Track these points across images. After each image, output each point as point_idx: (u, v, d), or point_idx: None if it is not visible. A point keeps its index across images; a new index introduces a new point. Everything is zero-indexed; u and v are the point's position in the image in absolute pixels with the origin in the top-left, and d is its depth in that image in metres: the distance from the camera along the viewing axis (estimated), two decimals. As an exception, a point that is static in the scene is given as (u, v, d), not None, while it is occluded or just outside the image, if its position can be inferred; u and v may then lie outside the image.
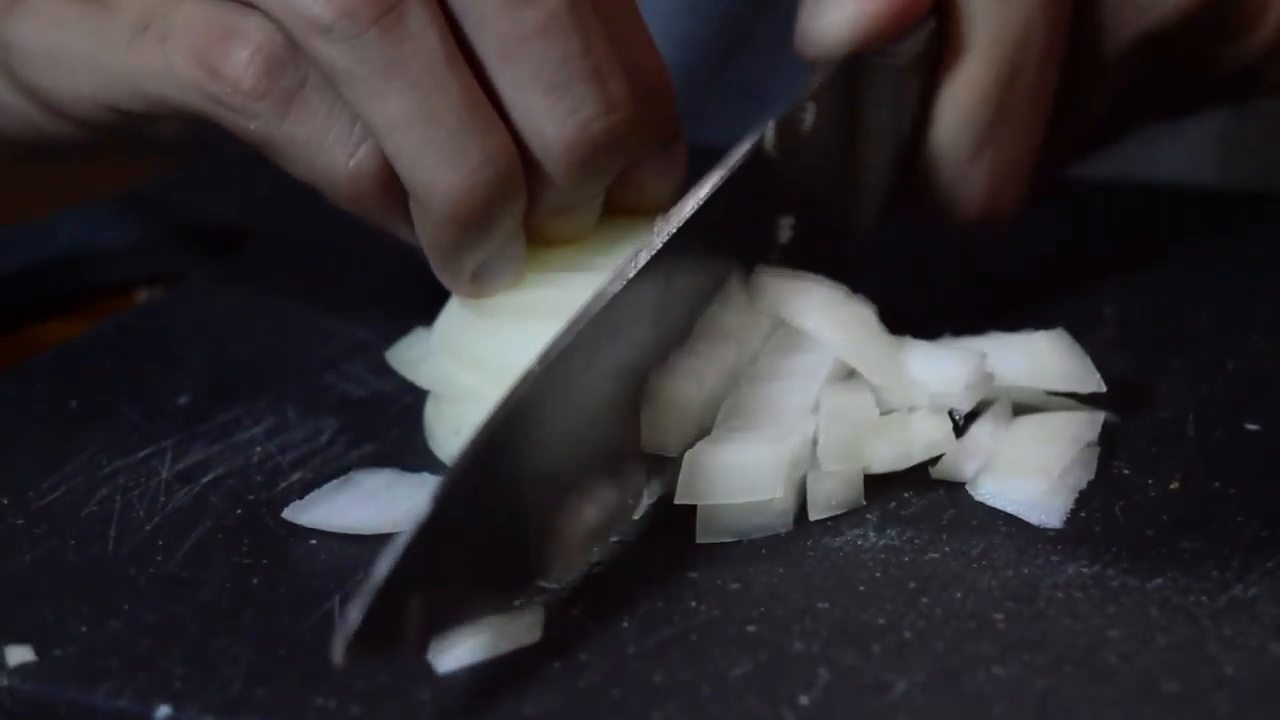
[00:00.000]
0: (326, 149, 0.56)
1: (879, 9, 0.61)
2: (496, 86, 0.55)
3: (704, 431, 0.56)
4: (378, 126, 0.55)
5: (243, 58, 0.56)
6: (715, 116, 0.90)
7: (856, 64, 0.62)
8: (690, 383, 0.56)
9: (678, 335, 0.56)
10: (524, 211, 0.57)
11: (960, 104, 0.64)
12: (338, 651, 0.45)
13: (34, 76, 0.62)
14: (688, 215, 0.56)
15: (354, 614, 0.45)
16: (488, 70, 0.55)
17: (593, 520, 0.53)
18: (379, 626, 0.45)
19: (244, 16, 0.56)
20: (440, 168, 0.55)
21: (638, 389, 0.55)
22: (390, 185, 0.56)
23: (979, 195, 0.66)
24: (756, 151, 0.59)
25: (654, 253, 0.54)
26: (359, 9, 0.53)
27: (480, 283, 0.59)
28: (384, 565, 0.45)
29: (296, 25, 0.54)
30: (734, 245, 0.59)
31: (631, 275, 0.53)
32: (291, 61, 0.55)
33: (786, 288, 0.59)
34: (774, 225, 0.61)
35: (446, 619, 0.48)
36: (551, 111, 0.55)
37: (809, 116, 0.61)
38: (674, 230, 0.55)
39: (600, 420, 0.53)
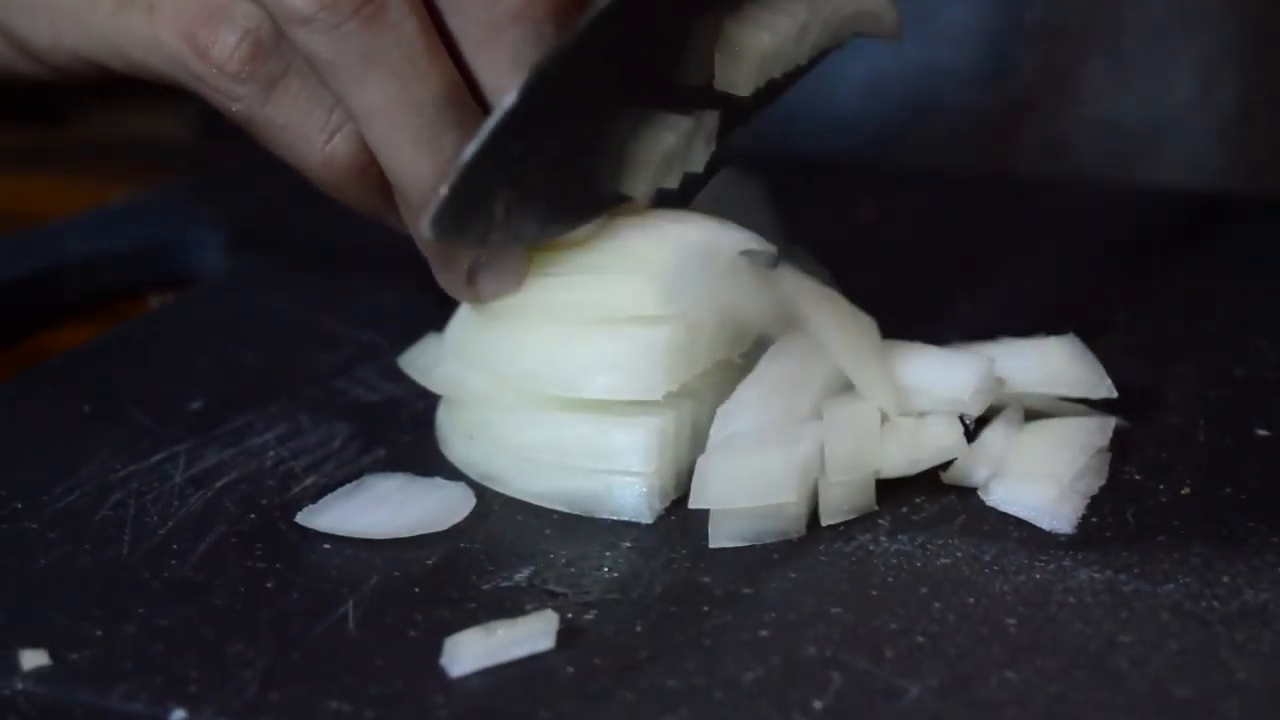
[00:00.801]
0: (305, 134, 0.57)
1: None
2: (474, 73, 0.56)
3: (770, 79, 0.59)
4: (358, 114, 0.56)
5: (230, 41, 0.56)
6: None
7: None
8: (762, 32, 0.57)
9: None
10: None
11: None
12: (425, 224, 0.52)
13: (12, 20, 0.62)
14: None
15: (442, 189, 0.51)
16: (465, 56, 0.56)
17: (669, 146, 0.56)
18: (465, 204, 0.51)
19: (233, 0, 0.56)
20: (417, 157, 0.55)
21: (714, 32, 0.57)
22: (366, 172, 0.57)
23: None
24: None
25: None
26: (340, 1, 0.54)
27: (478, 285, 0.59)
28: (470, 148, 0.52)
29: (280, 14, 0.55)
30: None
31: None
32: (277, 48, 0.56)
33: (795, 296, 0.59)
34: None
35: (526, 221, 0.54)
36: None
37: None
38: None
39: (678, 57, 0.56)
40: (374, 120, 0.55)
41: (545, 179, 0.55)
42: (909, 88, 0.94)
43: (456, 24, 0.55)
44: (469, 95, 0.56)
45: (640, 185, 0.57)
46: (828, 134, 0.95)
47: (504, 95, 0.55)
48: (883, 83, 0.94)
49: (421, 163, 0.55)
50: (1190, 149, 0.98)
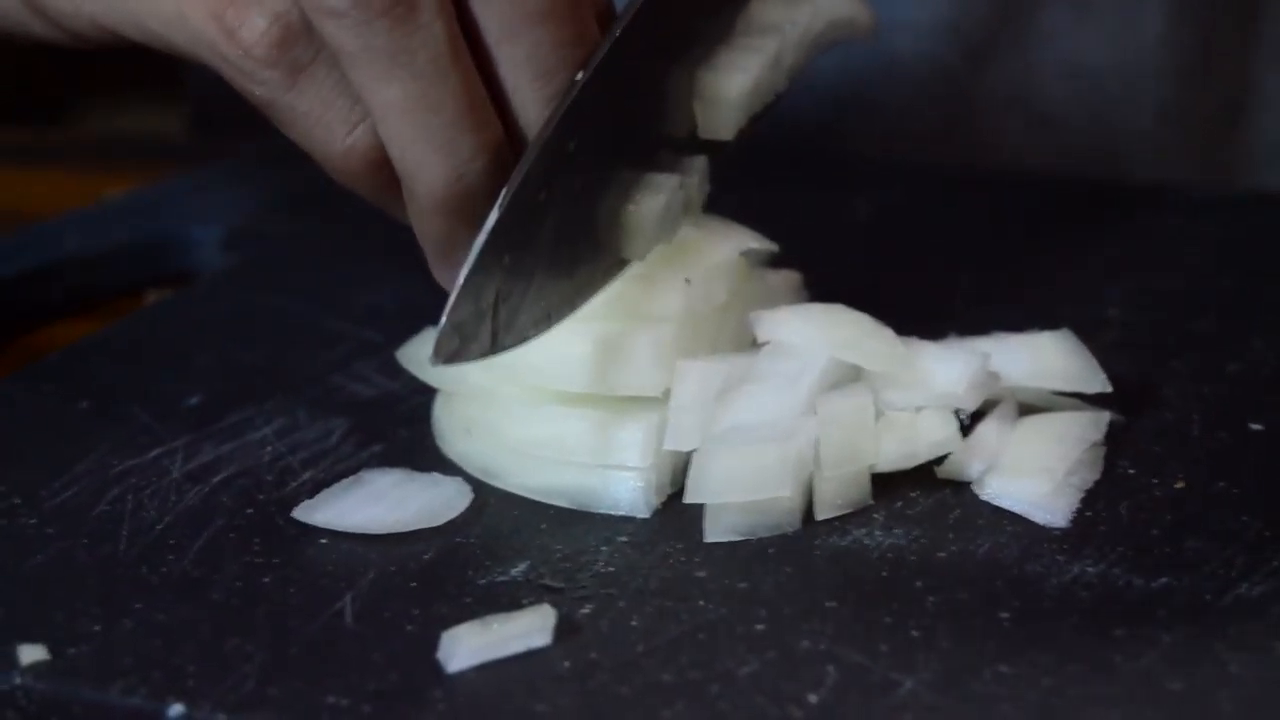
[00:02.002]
0: (326, 124, 0.57)
1: None
2: (494, 66, 0.56)
3: (753, 114, 0.59)
4: (376, 110, 0.56)
5: (259, 25, 0.56)
6: None
7: None
8: (736, 75, 0.58)
9: (721, 31, 0.59)
10: None
11: None
12: (431, 357, 0.54)
13: None
14: None
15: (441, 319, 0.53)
16: (487, 49, 0.56)
17: (660, 206, 0.57)
18: (469, 307, 0.53)
19: None
20: (431, 157, 0.55)
21: (689, 83, 0.58)
22: (383, 166, 0.57)
23: None
24: None
25: None
26: None
27: None
28: (461, 272, 0.53)
29: (311, 4, 0.54)
30: None
31: None
32: (306, 34, 0.56)
33: (777, 313, 0.59)
34: None
35: (532, 316, 0.55)
36: (538, 95, 0.56)
37: None
38: None
39: (657, 118, 0.57)
40: (392, 118, 0.55)
41: (542, 274, 0.55)
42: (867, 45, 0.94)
43: (482, 17, 0.55)
44: (487, 101, 0.56)
45: (638, 249, 0.57)
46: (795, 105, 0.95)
47: (520, 96, 0.56)
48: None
49: (434, 163, 0.55)
50: (1158, 91, 0.98)
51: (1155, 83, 0.98)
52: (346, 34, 0.54)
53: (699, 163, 0.59)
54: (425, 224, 0.57)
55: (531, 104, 0.56)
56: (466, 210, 0.56)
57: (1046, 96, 0.98)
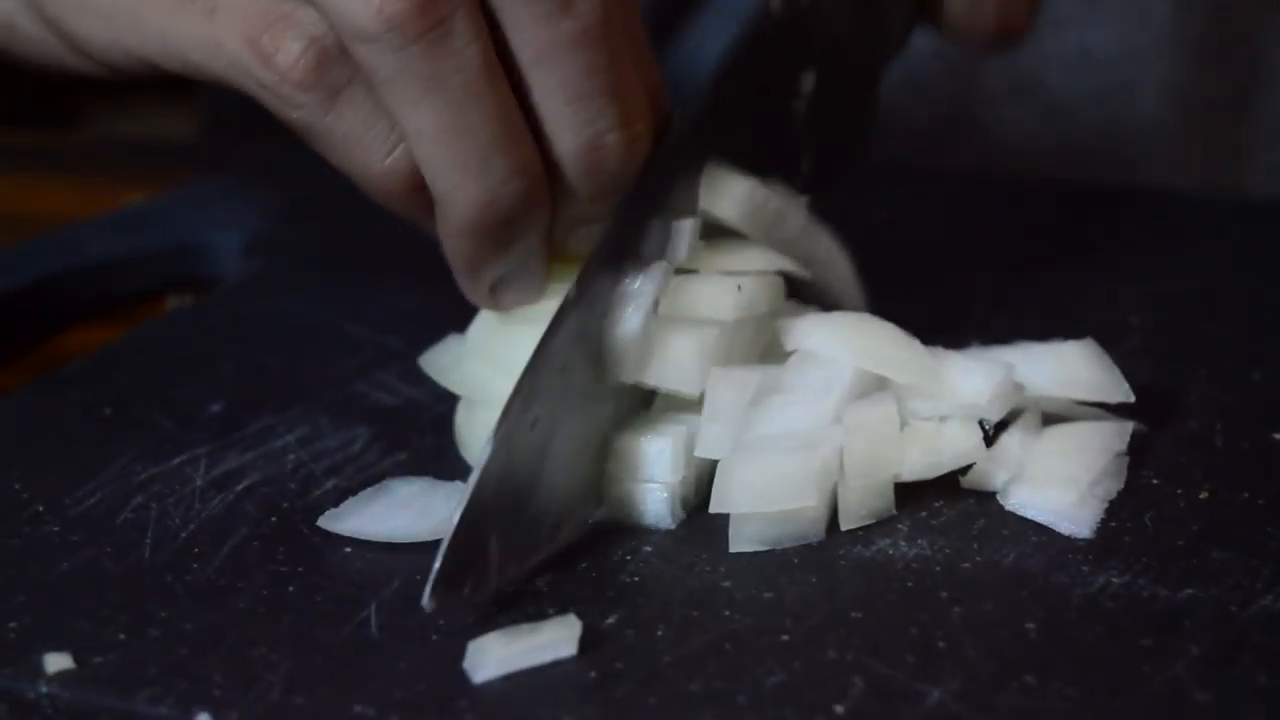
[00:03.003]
0: (365, 146, 0.57)
1: None
2: (527, 93, 0.56)
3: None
4: (411, 134, 0.55)
5: (295, 49, 0.56)
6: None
7: None
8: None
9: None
10: (547, 227, 0.58)
11: None
12: (424, 599, 0.50)
13: (67, 16, 0.61)
14: (714, 79, 0.59)
15: (436, 561, 0.50)
16: (521, 73, 0.56)
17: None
18: (458, 567, 0.51)
19: (298, 5, 0.56)
20: (465, 180, 0.56)
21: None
22: (421, 187, 0.57)
23: (992, 10, 0.68)
24: (763, 14, 0.60)
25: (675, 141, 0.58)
26: (406, 22, 0.53)
27: (499, 295, 0.59)
28: (454, 517, 0.51)
29: (345, 29, 0.54)
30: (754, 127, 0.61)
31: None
32: (341, 58, 0.56)
33: (805, 321, 0.59)
34: (795, 87, 0.63)
35: (532, 546, 0.54)
36: (571, 120, 0.56)
37: None
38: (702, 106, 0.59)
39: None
40: (426, 141, 0.55)
41: (538, 505, 0.54)
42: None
43: (515, 43, 0.55)
44: (522, 124, 0.56)
45: (629, 370, 0.57)
46: None
47: (553, 120, 0.56)
48: None
49: (467, 186, 0.55)
50: (1168, 78, 0.98)
51: (1165, 69, 0.98)
52: (379, 58, 0.54)
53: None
54: (457, 244, 0.57)
55: (565, 129, 0.56)
56: (498, 232, 0.57)
57: (1055, 86, 0.98)
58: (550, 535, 0.55)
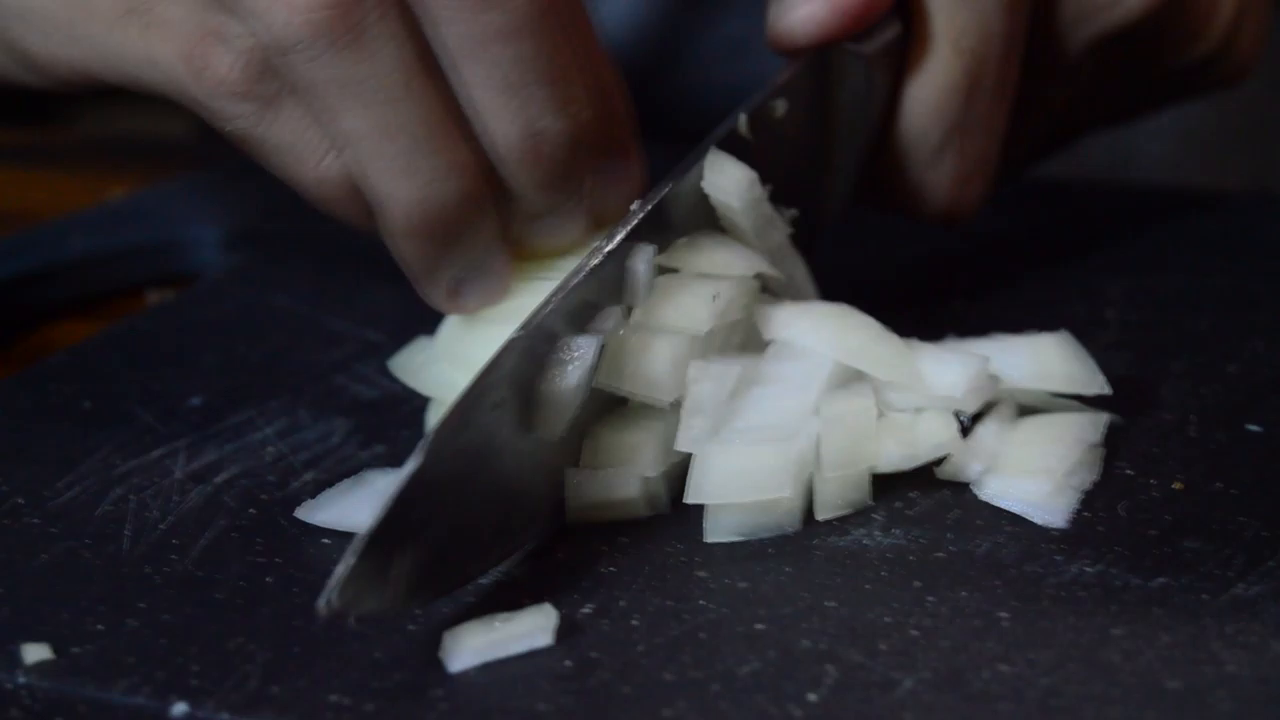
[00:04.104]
0: (298, 154, 0.58)
1: (846, 4, 0.63)
2: (459, 89, 0.56)
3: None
4: (338, 139, 0.56)
5: (226, 62, 0.57)
6: (702, 69, 0.91)
7: (827, 55, 0.64)
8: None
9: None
10: (498, 226, 0.58)
11: (927, 99, 0.66)
12: (321, 602, 0.47)
13: (12, 33, 0.62)
14: (666, 194, 0.58)
15: (339, 567, 0.47)
16: (450, 72, 0.56)
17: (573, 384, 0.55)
18: (366, 578, 0.48)
19: (229, 18, 0.56)
20: (396, 183, 0.56)
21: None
22: (357, 192, 0.58)
23: (944, 188, 0.68)
24: (731, 135, 0.60)
25: (626, 231, 0.57)
26: (324, 30, 0.54)
27: (461, 298, 0.59)
28: (370, 522, 0.48)
29: (266, 40, 0.55)
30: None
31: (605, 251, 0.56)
32: (271, 69, 0.56)
33: (786, 311, 0.59)
34: None
35: (432, 580, 0.51)
36: (505, 110, 0.56)
37: (780, 106, 0.62)
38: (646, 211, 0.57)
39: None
40: (354, 147, 0.56)
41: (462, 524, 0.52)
42: None
43: (441, 39, 0.55)
44: (451, 123, 0.56)
45: (554, 428, 0.55)
46: None
47: (486, 112, 0.55)
48: None
49: (399, 188, 0.56)
50: (1161, 145, 0.98)
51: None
52: (301, 67, 0.55)
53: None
54: (401, 247, 0.58)
55: (500, 119, 0.56)
56: (439, 233, 0.57)
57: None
58: (483, 560, 0.53)
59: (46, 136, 1.17)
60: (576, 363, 0.54)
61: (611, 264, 0.57)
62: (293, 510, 0.57)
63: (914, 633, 0.50)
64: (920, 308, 0.69)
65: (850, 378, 0.58)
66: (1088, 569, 0.53)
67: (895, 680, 0.48)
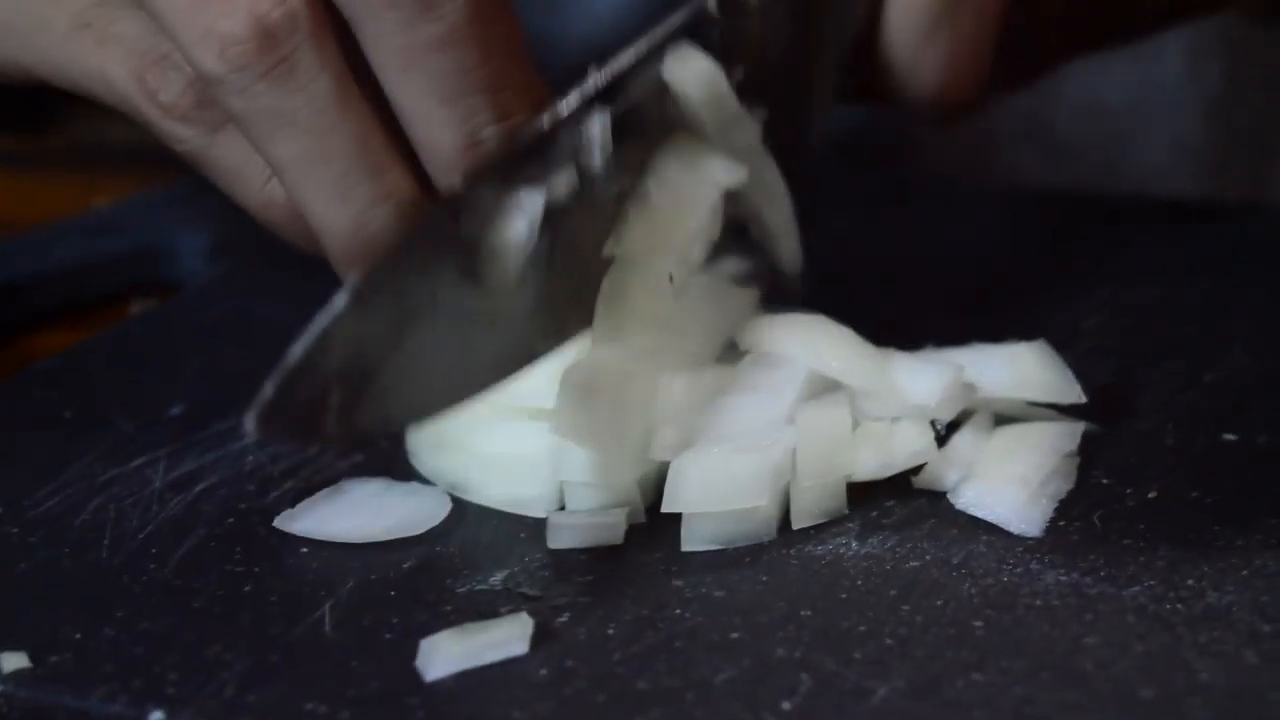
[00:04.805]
0: (243, 179, 0.58)
1: None
2: (396, 102, 0.56)
3: None
4: (274, 166, 0.56)
5: (177, 88, 0.57)
6: None
7: None
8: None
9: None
10: None
11: None
12: (248, 423, 0.48)
13: None
14: (626, 65, 0.56)
15: (267, 389, 0.49)
16: (384, 84, 0.56)
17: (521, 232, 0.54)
18: (293, 404, 0.49)
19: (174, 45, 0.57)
20: (330, 208, 0.56)
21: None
22: (300, 215, 0.58)
23: (935, 76, 0.65)
24: (700, 15, 0.58)
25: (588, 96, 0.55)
26: (248, 63, 0.54)
27: None
28: (296, 349, 0.50)
29: (197, 72, 0.55)
30: None
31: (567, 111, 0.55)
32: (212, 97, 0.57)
33: (762, 322, 0.60)
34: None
35: (361, 419, 0.52)
36: (448, 120, 0.56)
37: None
38: (608, 78, 0.56)
39: None
40: (289, 174, 0.56)
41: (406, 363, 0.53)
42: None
43: (375, 52, 0.55)
44: (386, 147, 0.56)
45: (503, 278, 0.54)
46: None
47: (426, 123, 0.55)
48: None
49: (333, 214, 0.56)
50: (1149, 154, 0.98)
51: (1175, 119, 0.98)
52: (230, 99, 0.55)
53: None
54: (344, 271, 0.58)
55: (441, 129, 0.56)
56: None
57: (1064, 130, 0.98)
58: (434, 405, 0.54)
59: (29, 143, 1.17)
60: (524, 210, 0.54)
61: (566, 130, 0.56)
62: (272, 519, 0.57)
63: (889, 641, 0.50)
64: (899, 317, 0.69)
65: (826, 387, 0.59)
66: (1062, 578, 0.54)
67: (870, 689, 0.48)
